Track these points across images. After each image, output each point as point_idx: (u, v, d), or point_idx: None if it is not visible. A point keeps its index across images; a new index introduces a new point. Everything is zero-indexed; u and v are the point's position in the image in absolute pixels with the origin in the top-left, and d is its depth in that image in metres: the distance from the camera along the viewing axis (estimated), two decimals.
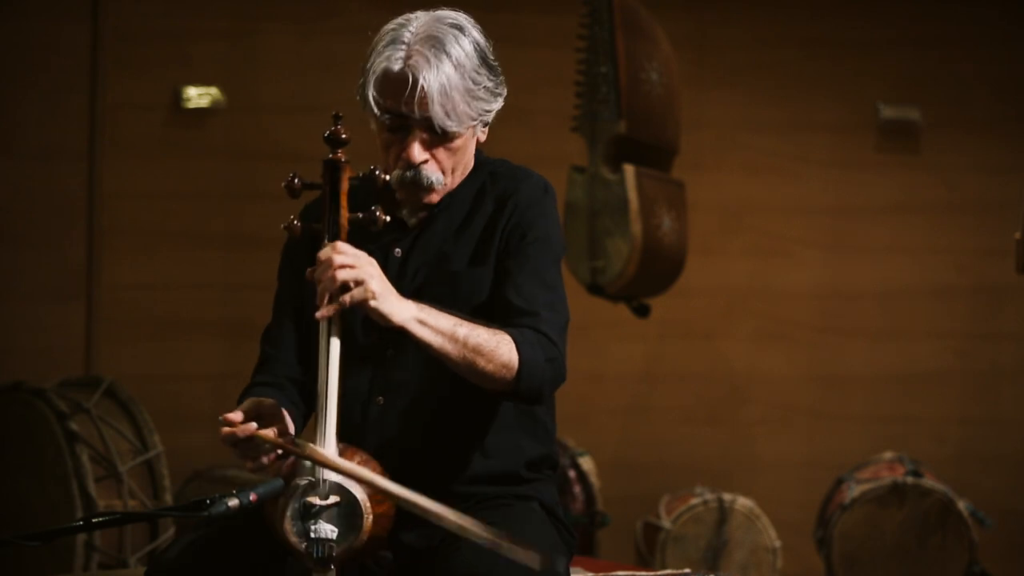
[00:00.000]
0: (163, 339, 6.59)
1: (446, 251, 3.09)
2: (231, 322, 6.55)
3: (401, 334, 2.93)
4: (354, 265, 2.84)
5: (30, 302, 6.46)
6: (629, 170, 6.01)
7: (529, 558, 2.72)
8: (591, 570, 3.84)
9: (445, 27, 3.05)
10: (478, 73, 3.05)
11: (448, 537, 2.93)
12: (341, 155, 2.93)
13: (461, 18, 3.10)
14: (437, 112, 3.00)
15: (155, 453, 5.56)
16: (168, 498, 5.56)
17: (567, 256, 6.18)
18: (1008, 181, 6.85)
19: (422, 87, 2.99)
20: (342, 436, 2.91)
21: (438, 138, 3.05)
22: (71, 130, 6.51)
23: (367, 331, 3.05)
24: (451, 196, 3.13)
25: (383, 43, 3.04)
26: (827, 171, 7.07)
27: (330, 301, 2.85)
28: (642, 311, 6.26)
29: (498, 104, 3.11)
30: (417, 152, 3.04)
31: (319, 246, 2.91)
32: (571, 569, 3.19)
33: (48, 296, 6.49)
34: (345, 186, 2.92)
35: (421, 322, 2.89)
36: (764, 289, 7.04)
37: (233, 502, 2.77)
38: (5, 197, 6.44)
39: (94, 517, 2.82)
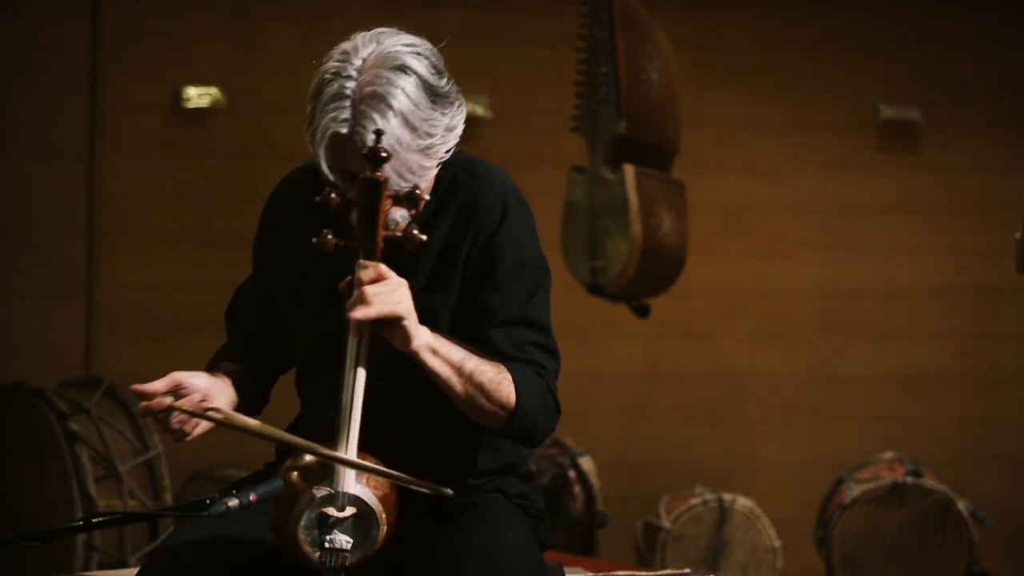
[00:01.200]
0: (163, 339, 6.60)
1: (401, 269, 2.91)
2: None
3: (374, 346, 2.88)
4: (390, 289, 2.79)
5: (30, 302, 6.46)
6: (629, 170, 6.01)
7: (428, 489, 2.78)
8: (591, 570, 3.84)
9: (389, 73, 2.88)
10: (428, 119, 2.89)
11: (415, 545, 2.93)
12: (381, 174, 2.83)
13: (403, 52, 2.91)
14: (391, 176, 2.86)
15: (155, 453, 5.57)
16: (168, 498, 5.56)
17: (567, 256, 6.18)
18: (1008, 181, 6.85)
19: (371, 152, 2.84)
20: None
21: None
22: (71, 130, 6.52)
23: (332, 336, 2.95)
24: None
25: (326, 98, 2.89)
26: (827, 171, 7.07)
27: (364, 306, 2.79)
28: (642, 311, 6.26)
29: (454, 136, 2.95)
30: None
31: (344, 260, 2.86)
32: (571, 569, 3.19)
33: (48, 296, 6.49)
34: (385, 205, 2.84)
35: (434, 352, 2.85)
36: (764, 289, 7.04)
37: (233, 502, 2.77)
38: (5, 197, 6.45)
39: (94, 517, 2.81)
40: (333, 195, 2.86)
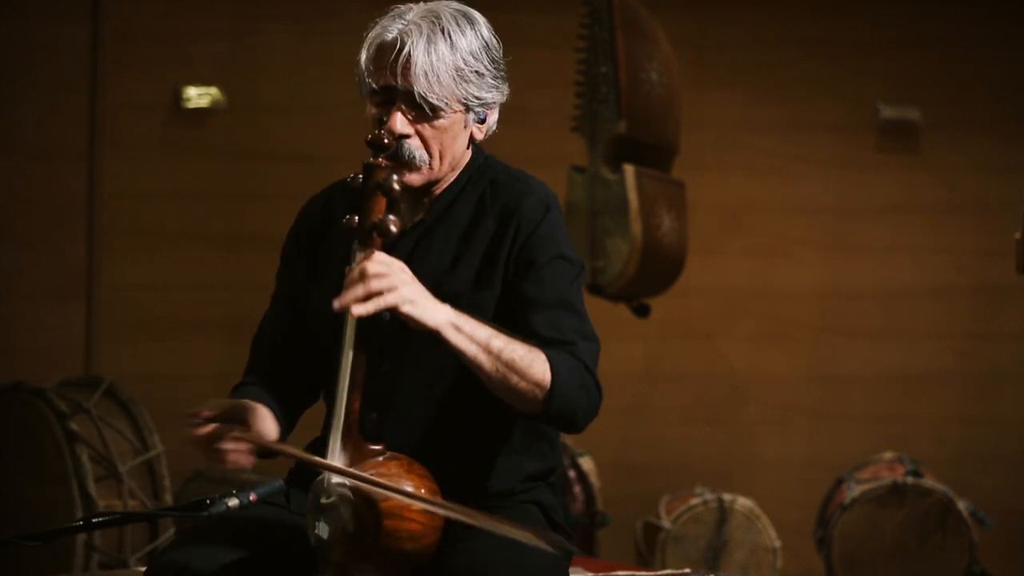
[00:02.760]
0: (163, 339, 6.60)
1: (445, 268, 3.01)
2: (231, 322, 6.55)
3: (400, 347, 2.93)
4: (386, 273, 2.80)
5: (30, 302, 6.46)
6: (629, 170, 6.01)
7: (540, 540, 2.72)
8: (591, 570, 3.84)
9: (452, 12, 3.01)
10: (473, 58, 2.99)
11: (446, 537, 2.93)
12: (381, 160, 2.85)
13: (475, 13, 3.05)
14: (420, 82, 2.94)
15: (155, 453, 5.57)
16: (168, 498, 5.56)
17: None
18: (1008, 181, 6.85)
19: (407, 54, 2.94)
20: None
21: (422, 114, 2.98)
22: (71, 130, 6.51)
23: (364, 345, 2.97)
24: (448, 204, 3.07)
25: (385, 17, 3.02)
26: (827, 171, 7.07)
27: (361, 302, 2.79)
28: (642, 311, 6.27)
29: (492, 96, 3.04)
30: (399, 123, 2.97)
31: (342, 244, 2.90)
32: (571, 569, 3.19)
33: (48, 296, 6.49)
34: (380, 193, 2.85)
35: (456, 328, 2.84)
36: (764, 289, 7.04)
37: (233, 502, 2.77)
38: (5, 197, 6.44)
39: (94, 517, 2.82)
40: (349, 218, 2.87)
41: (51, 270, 6.50)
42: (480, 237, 3.01)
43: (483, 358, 2.85)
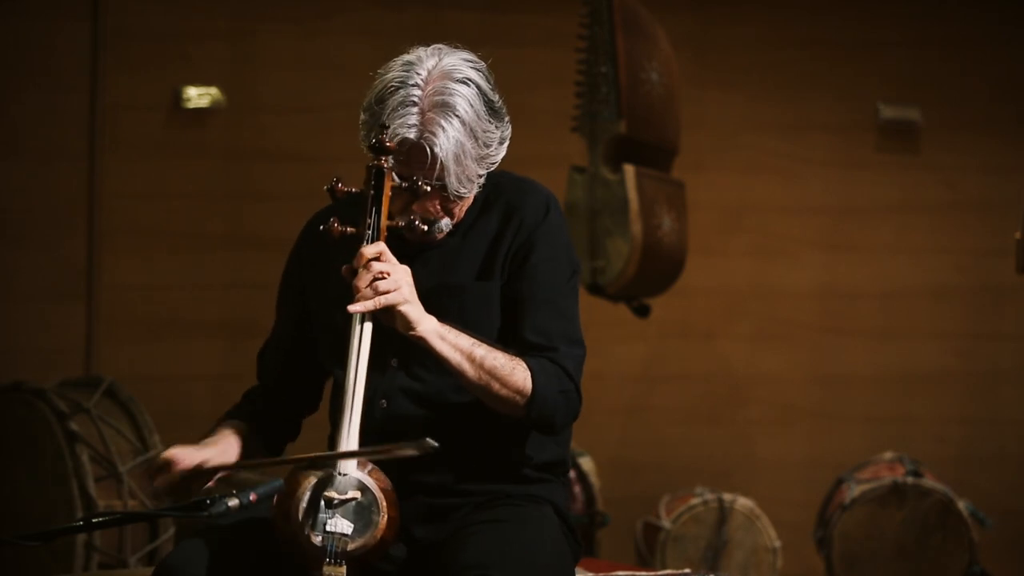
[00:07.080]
0: (163, 339, 6.59)
1: (451, 263, 3.11)
2: (231, 322, 6.55)
3: (406, 345, 2.99)
4: (390, 272, 2.93)
5: (30, 302, 6.46)
6: (629, 170, 6.01)
7: (413, 448, 2.79)
8: (591, 570, 3.84)
9: (454, 85, 3.04)
10: (486, 130, 3.06)
11: (458, 530, 2.98)
12: (385, 162, 2.98)
13: (464, 66, 3.07)
14: (452, 183, 3.03)
15: (155, 453, 5.56)
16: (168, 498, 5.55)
17: None
18: (1008, 181, 6.85)
19: (441, 162, 3.01)
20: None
21: (448, 197, 3.07)
22: (71, 130, 6.51)
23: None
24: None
25: (394, 101, 3.03)
26: (827, 171, 7.07)
27: (364, 299, 2.91)
28: (642, 311, 6.26)
29: (502, 152, 3.12)
30: (433, 211, 3.06)
31: (350, 250, 2.96)
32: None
33: (48, 296, 6.49)
34: (388, 192, 2.99)
35: (441, 337, 2.96)
36: (764, 289, 7.04)
37: (233, 502, 2.77)
38: (5, 197, 6.44)
39: (94, 517, 2.81)
40: (335, 224, 2.99)
41: (51, 270, 6.50)
42: (483, 233, 3.12)
43: (466, 365, 2.98)
